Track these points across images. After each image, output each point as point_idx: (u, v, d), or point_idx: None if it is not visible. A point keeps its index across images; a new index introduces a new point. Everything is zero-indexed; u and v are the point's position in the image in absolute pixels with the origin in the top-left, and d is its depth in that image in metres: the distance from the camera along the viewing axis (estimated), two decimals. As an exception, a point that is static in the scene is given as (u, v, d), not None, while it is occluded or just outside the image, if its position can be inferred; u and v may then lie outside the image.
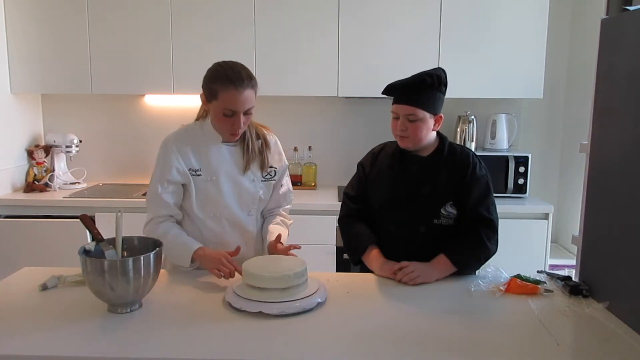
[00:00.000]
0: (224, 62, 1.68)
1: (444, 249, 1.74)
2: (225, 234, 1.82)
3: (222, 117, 1.66)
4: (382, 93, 1.80)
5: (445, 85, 1.75)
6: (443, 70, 1.75)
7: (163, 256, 1.54)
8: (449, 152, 1.80)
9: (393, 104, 1.76)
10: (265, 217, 1.93)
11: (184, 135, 1.77)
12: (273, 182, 1.86)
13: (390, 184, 1.81)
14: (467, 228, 1.75)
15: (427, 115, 1.72)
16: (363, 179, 1.90)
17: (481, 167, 1.79)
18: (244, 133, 1.76)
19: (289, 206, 1.98)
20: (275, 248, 1.72)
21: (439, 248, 1.74)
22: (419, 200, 1.77)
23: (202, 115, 1.80)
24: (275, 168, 1.86)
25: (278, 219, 1.91)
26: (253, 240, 1.88)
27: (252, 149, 1.78)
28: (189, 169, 1.74)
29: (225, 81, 1.61)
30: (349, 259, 1.90)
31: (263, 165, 1.81)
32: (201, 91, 1.70)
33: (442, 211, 1.75)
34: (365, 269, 1.83)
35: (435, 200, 1.76)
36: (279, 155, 1.88)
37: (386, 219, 1.82)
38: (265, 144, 1.82)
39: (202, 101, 1.73)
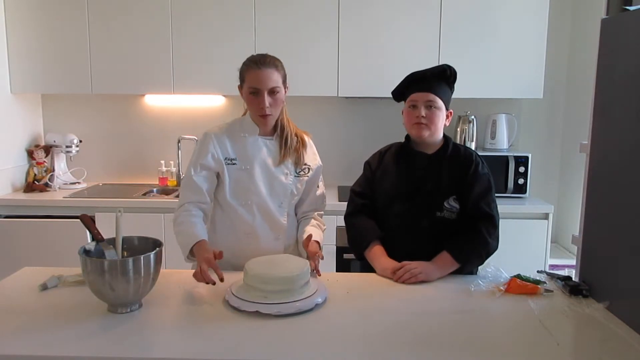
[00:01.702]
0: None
1: (445, 246, 1.75)
2: (256, 224, 1.84)
3: (250, 99, 1.77)
4: (397, 89, 1.84)
5: (454, 84, 1.83)
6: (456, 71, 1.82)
7: (163, 256, 1.54)
8: (452, 151, 1.84)
9: (412, 93, 1.79)
10: (301, 221, 1.97)
11: (224, 127, 1.88)
12: (306, 178, 1.91)
13: (396, 179, 1.84)
14: (468, 224, 1.77)
15: (443, 106, 1.78)
16: (370, 177, 1.92)
17: (483, 166, 1.83)
18: (283, 127, 1.86)
19: (322, 212, 2.02)
20: (306, 247, 1.76)
21: (440, 245, 1.75)
22: (423, 194, 1.79)
23: (245, 112, 1.90)
24: (310, 166, 1.91)
25: (314, 222, 1.94)
26: (284, 235, 1.89)
27: (290, 143, 1.86)
28: (225, 158, 1.82)
29: (249, 63, 1.77)
30: (353, 255, 1.91)
31: (298, 162, 1.88)
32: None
33: (445, 204, 1.77)
34: (365, 269, 1.83)
35: (438, 195, 1.78)
36: (313, 155, 1.96)
37: (391, 213, 1.83)
38: (302, 143, 1.90)
39: (239, 90, 1.84)
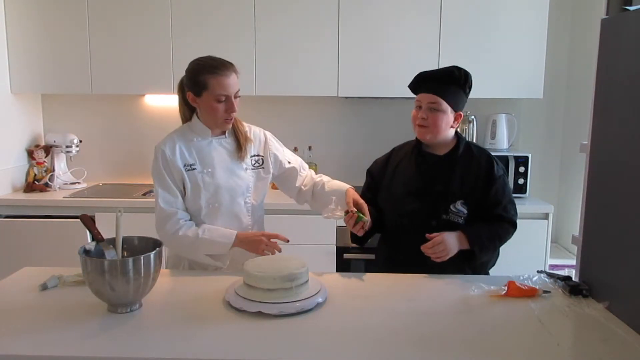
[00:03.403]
0: (200, 57, 1.79)
1: (462, 229, 1.75)
2: (221, 224, 1.82)
3: (216, 105, 1.74)
4: (409, 86, 1.83)
5: (470, 87, 1.79)
6: (469, 73, 1.79)
7: (164, 256, 1.54)
8: (465, 151, 1.82)
9: (417, 93, 1.79)
10: (314, 191, 1.96)
11: (174, 135, 1.84)
12: (262, 169, 1.90)
13: (406, 178, 1.84)
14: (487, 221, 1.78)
15: (449, 109, 1.75)
16: (372, 185, 1.93)
17: (498, 168, 1.81)
18: (232, 124, 1.83)
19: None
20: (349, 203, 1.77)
21: None
22: (431, 195, 1.78)
23: (187, 118, 1.89)
24: (262, 156, 1.91)
25: (324, 178, 1.97)
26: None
27: (244, 137, 1.86)
28: (184, 165, 1.78)
29: (212, 70, 1.72)
30: (354, 243, 1.91)
31: (245, 154, 1.86)
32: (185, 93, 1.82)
33: (452, 207, 1.76)
34: (365, 270, 1.83)
35: (446, 197, 1.77)
36: (259, 141, 1.92)
37: (400, 212, 1.83)
38: (245, 136, 1.88)
39: (190, 100, 1.80)
